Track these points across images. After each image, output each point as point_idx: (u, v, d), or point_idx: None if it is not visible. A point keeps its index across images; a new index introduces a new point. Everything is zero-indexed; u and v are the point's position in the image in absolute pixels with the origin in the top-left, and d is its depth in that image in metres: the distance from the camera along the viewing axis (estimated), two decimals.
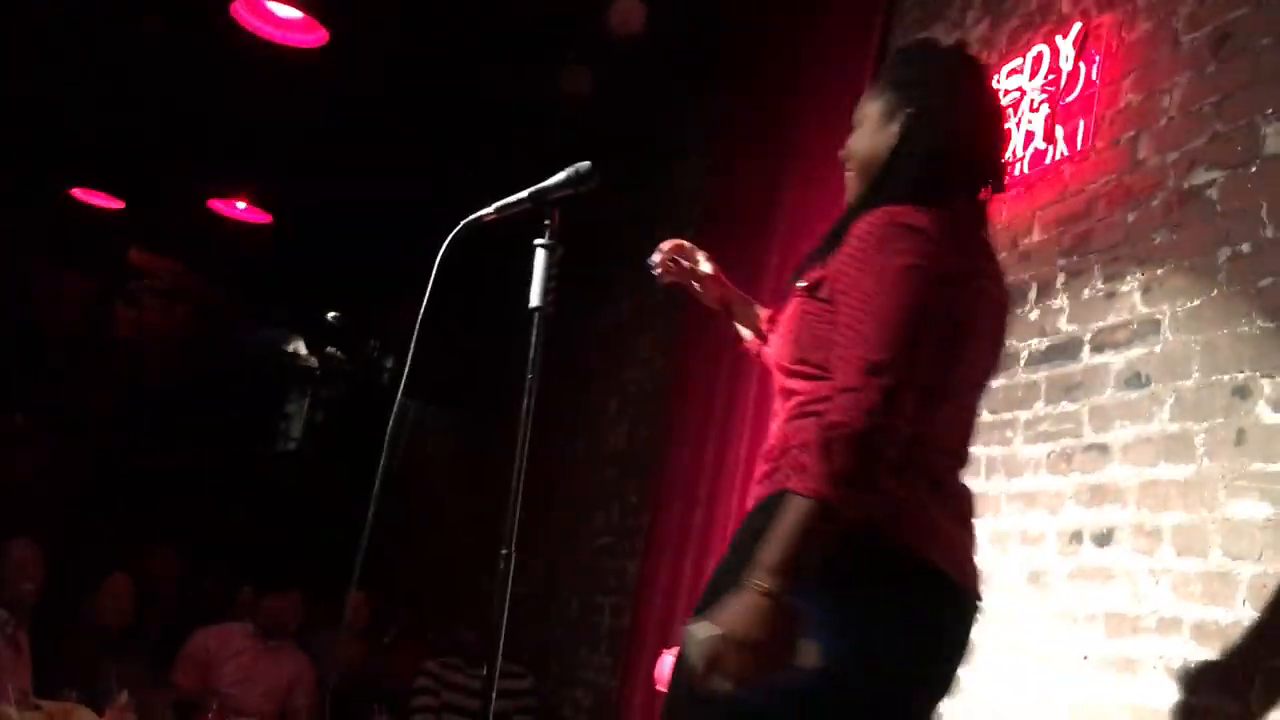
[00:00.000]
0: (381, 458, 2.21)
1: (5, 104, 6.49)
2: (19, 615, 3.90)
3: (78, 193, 7.90)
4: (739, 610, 1.52)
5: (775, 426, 1.84)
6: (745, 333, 2.34)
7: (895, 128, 1.80)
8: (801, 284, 1.78)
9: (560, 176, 2.06)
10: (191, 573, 5.97)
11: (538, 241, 2.07)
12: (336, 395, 11.42)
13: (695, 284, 2.29)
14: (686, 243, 2.31)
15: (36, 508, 5.17)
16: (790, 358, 1.77)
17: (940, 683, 1.76)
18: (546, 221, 2.06)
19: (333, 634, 5.69)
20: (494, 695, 1.95)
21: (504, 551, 1.95)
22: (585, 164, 2.07)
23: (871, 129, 1.85)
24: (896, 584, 1.63)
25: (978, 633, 2.86)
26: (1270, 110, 2.53)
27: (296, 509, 9.10)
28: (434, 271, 2.06)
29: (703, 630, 1.54)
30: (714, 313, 2.38)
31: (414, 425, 9.54)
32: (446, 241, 2.06)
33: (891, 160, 1.79)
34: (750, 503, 1.83)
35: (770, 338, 1.97)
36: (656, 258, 2.28)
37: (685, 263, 2.28)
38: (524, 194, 2.08)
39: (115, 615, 4.25)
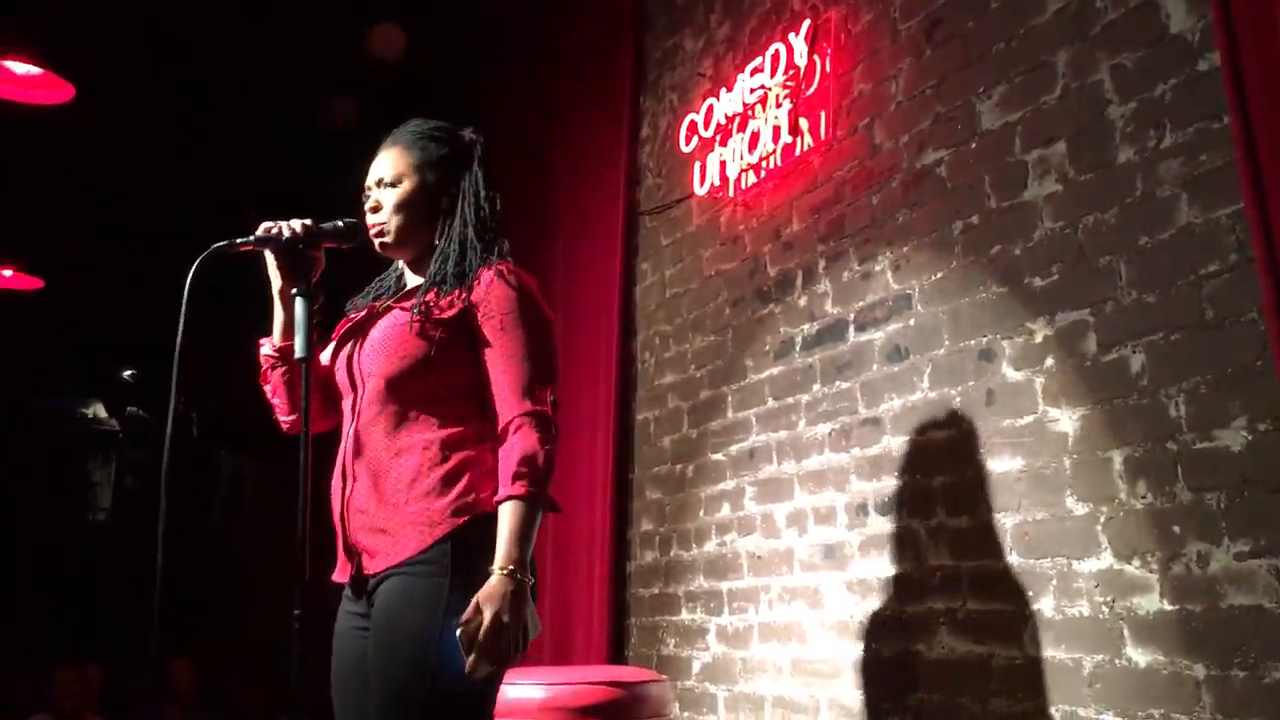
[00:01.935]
0: (161, 507, 2.08)
1: None
2: None
3: None
4: (503, 600, 1.78)
5: (395, 442, 1.93)
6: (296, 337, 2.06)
7: (441, 196, 2.09)
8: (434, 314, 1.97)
9: (327, 224, 2.03)
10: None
11: (294, 290, 2.04)
12: (145, 456, 10.89)
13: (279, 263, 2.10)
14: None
15: None
16: (408, 376, 1.95)
17: None
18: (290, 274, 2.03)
19: (159, 705, 5.46)
20: None
21: (295, 612, 1.92)
22: (352, 220, 2.06)
23: (411, 194, 2.09)
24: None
25: (788, 612, 2.95)
26: (982, 89, 2.70)
27: (114, 580, 8.66)
28: (185, 297, 1.92)
29: (471, 624, 1.76)
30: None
31: (231, 476, 9.22)
32: (193, 268, 1.97)
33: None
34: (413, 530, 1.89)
35: (359, 350, 2.04)
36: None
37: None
38: (282, 230, 2.01)
39: None
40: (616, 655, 3.88)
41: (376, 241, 2.10)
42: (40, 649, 6.11)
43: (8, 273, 7.17)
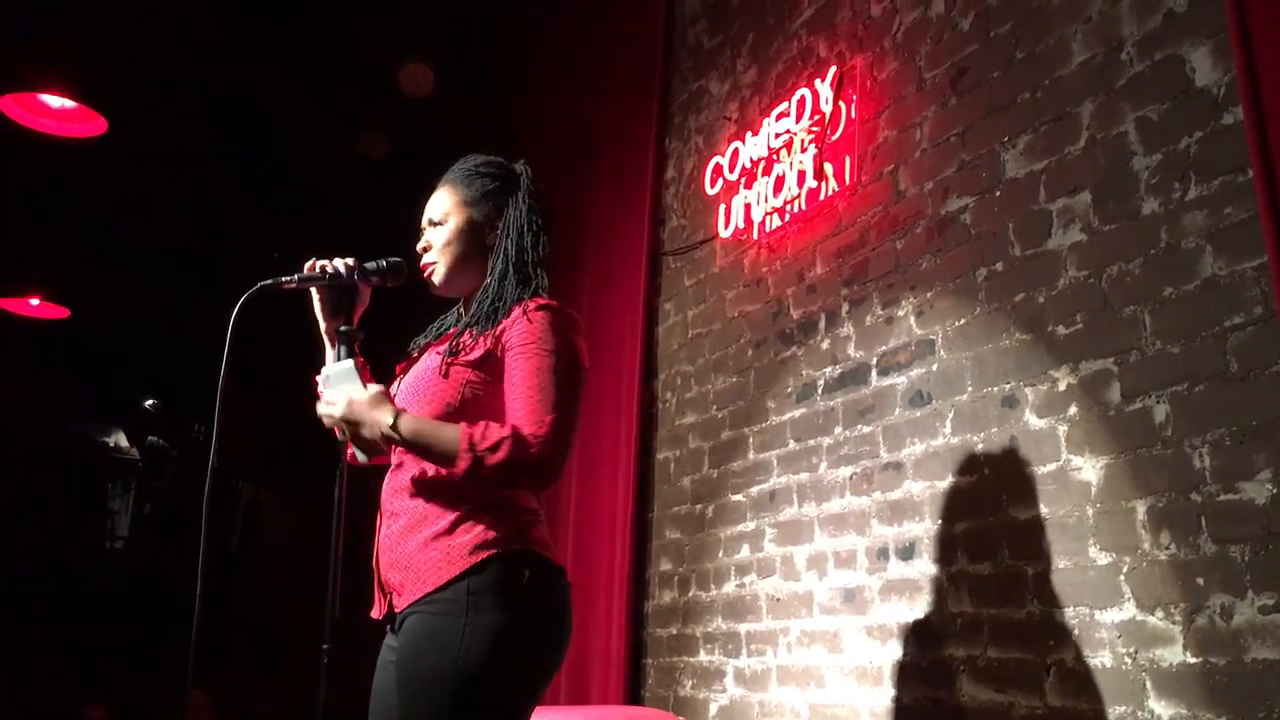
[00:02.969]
0: (201, 547, 2.10)
1: None
2: None
3: None
4: (365, 411, 1.92)
5: (423, 482, 1.96)
6: None
7: (487, 232, 2.12)
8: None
9: (370, 264, 2.09)
10: (13, 695, 5.63)
11: (338, 329, 2.08)
12: (164, 484, 10.95)
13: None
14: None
15: None
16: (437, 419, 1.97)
17: None
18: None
19: None
20: None
21: (324, 647, 1.94)
22: (395, 259, 2.10)
23: (458, 232, 2.12)
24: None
25: (807, 655, 2.95)
26: (1007, 138, 2.72)
27: (133, 608, 8.68)
28: (229, 335, 1.99)
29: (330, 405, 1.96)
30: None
31: (248, 507, 9.24)
32: (239, 305, 2.01)
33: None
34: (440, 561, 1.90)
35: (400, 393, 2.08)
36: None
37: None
38: (327, 270, 2.07)
39: None
40: (633, 695, 3.87)
41: (430, 282, 2.13)
42: (62, 676, 6.12)
43: (34, 302, 7.25)
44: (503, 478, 1.87)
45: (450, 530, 1.90)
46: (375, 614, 2.01)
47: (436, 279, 2.14)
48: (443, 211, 2.14)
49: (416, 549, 1.92)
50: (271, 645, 7.06)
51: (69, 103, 4.85)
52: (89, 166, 5.39)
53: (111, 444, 10.77)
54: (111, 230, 6.18)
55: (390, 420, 1.91)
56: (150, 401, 10.39)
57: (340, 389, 1.97)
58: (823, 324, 3.31)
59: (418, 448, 1.92)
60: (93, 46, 4.61)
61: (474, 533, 1.89)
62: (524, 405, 1.90)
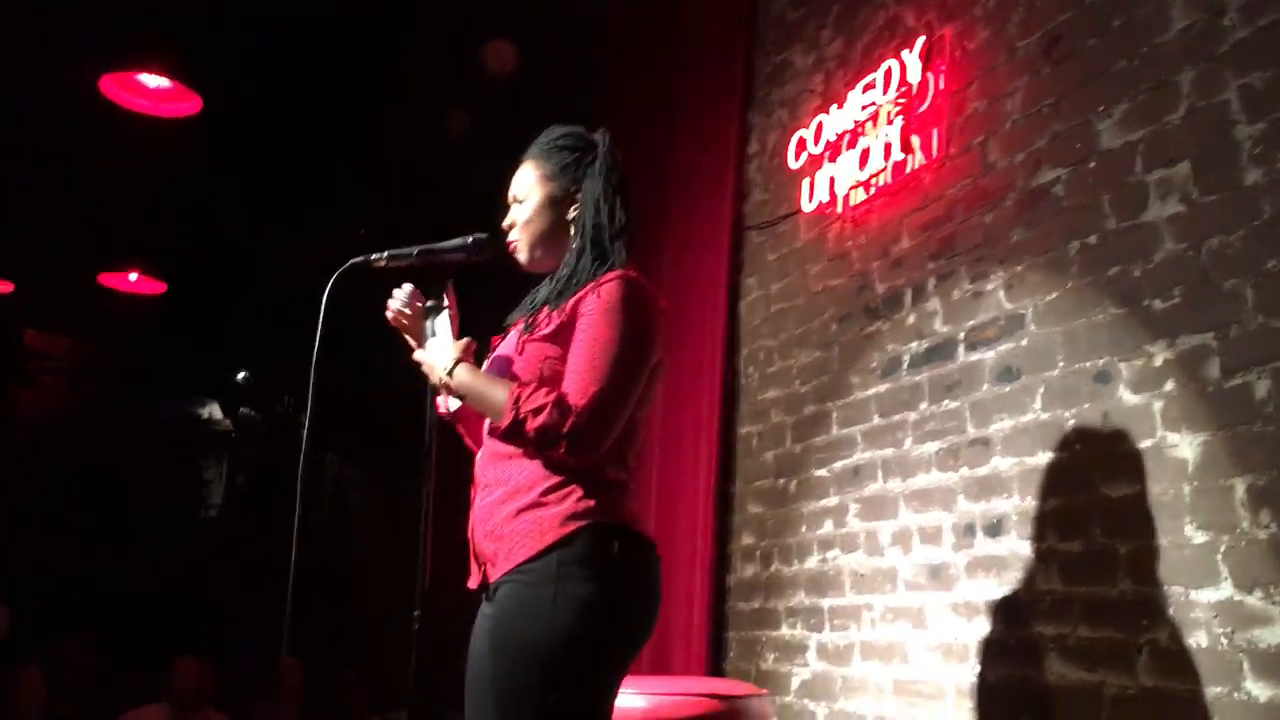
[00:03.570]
0: (295, 522, 2.17)
1: None
2: None
3: None
4: (434, 362, 2.03)
5: (512, 454, 1.98)
6: None
7: (567, 206, 2.11)
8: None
9: (454, 241, 2.11)
10: (112, 657, 5.84)
11: (424, 305, 2.13)
12: (255, 456, 11.23)
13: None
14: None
15: None
16: None
17: None
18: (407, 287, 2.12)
19: (269, 704, 5.62)
20: None
21: (415, 613, 1.99)
22: (482, 235, 2.11)
23: (538, 207, 2.13)
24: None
25: (891, 631, 2.94)
26: (1102, 107, 2.66)
27: (224, 576, 8.94)
28: (322, 312, 2.05)
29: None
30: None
31: (335, 481, 9.45)
32: (330, 283, 2.06)
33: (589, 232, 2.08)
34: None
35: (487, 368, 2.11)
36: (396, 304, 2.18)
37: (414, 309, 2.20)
38: (414, 249, 2.11)
39: (31, 711, 4.15)
40: (715, 668, 3.89)
41: (514, 258, 2.15)
42: (155, 641, 6.34)
43: (133, 277, 7.47)
44: (540, 442, 1.88)
45: (541, 501, 1.91)
46: (471, 584, 2.04)
47: (520, 256, 2.16)
48: (524, 187, 2.15)
49: (508, 519, 1.94)
50: (357, 615, 7.22)
51: (165, 82, 4.98)
52: (185, 144, 5.53)
53: (205, 416, 11.08)
54: (206, 206, 6.33)
55: (448, 368, 1.99)
56: (242, 374, 10.64)
57: (435, 339, 2.07)
58: (908, 299, 3.28)
59: (471, 399, 1.98)
60: (187, 27, 4.72)
61: (565, 504, 1.90)
62: (574, 375, 1.90)
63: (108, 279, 7.49)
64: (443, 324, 2.08)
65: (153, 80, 4.98)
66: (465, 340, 2.04)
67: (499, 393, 1.92)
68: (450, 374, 1.98)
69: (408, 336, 2.15)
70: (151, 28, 4.69)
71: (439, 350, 2.04)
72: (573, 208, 2.11)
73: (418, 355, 2.07)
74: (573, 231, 2.10)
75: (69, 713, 4.85)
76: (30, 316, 9.16)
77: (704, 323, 4.16)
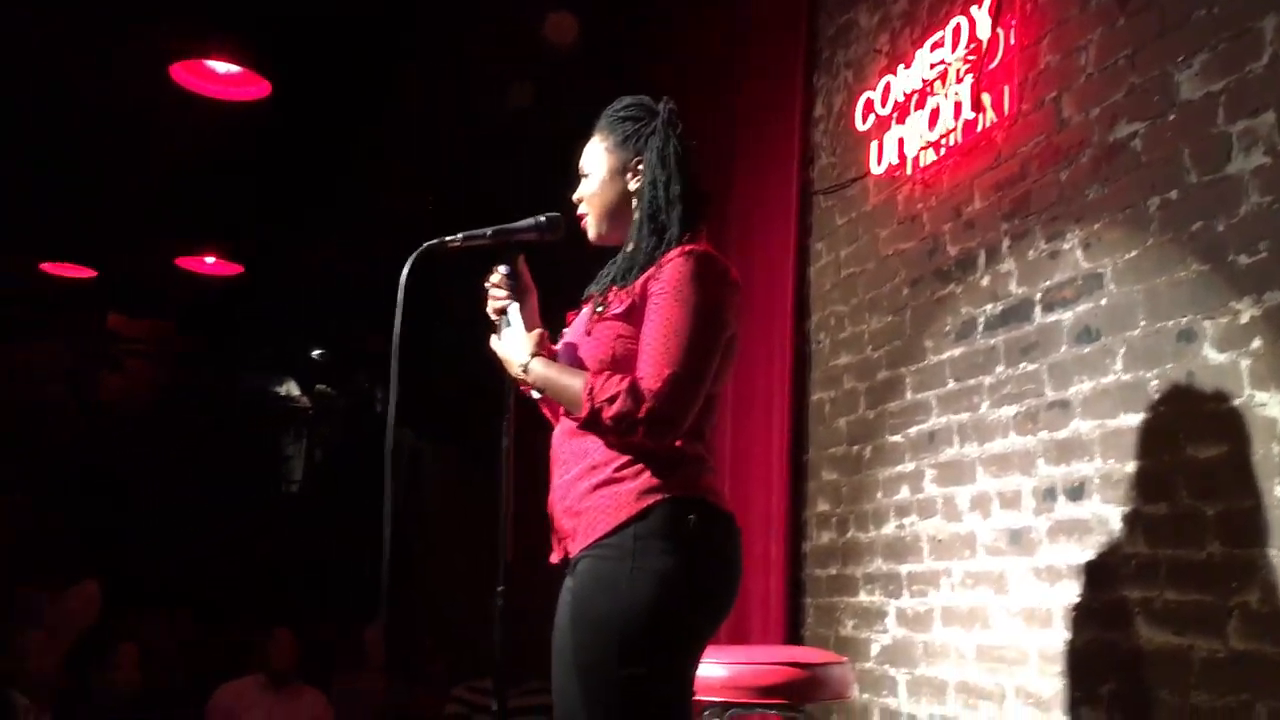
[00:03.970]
0: (385, 494, 2.20)
1: None
2: (41, 698, 3.95)
3: (48, 267, 7.95)
4: (507, 356, 2.08)
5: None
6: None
7: (629, 177, 2.11)
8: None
9: (526, 221, 2.13)
10: (203, 630, 6.01)
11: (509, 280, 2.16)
12: (333, 432, 11.45)
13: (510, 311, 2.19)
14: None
15: (39, 578, 5.22)
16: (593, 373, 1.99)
17: None
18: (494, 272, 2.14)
19: (353, 672, 5.75)
20: None
21: (499, 589, 2.02)
22: (554, 214, 2.12)
23: (604, 180, 2.13)
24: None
25: (971, 596, 2.91)
26: (1181, 58, 2.58)
27: (306, 550, 9.14)
28: (400, 294, 2.07)
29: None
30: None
31: (411, 455, 9.59)
32: (407, 265, 2.09)
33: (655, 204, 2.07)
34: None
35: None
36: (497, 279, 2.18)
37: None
38: (488, 230, 2.13)
39: (127, 684, 4.30)
40: (793, 635, 3.90)
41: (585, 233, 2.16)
42: (244, 615, 6.51)
43: (210, 259, 7.62)
44: (618, 429, 1.89)
45: (617, 477, 1.93)
46: (553, 559, 2.07)
47: (589, 229, 2.17)
48: (592, 160, 2.16)
49: (585, 495, 1.96)
50: (435, 587, 7.34)
51: (234, 68, 5.06)
52: (255, 128, 5.62)
53: (284, 393, 11.31)
54: (279, 188, 6.43)
55: (524, 362, 2.02)
56: (318, 351, 10.84)
57: (509, 330, 2.11)
58: (982, 260, 3.22)
59: (549, 392, 2.01)
60: (254, 12, 4.78)
61: (641, 479, 1.92)
62: (646, 358, 1.90)
63: (185, 262, 7.65)
64: (515, 314, 2.10)
65: (222, 66, 5.06)
66: (538, 332, 2.07)
67: (574, 384, 1.94)
68: (526, 369, 2.02)
69: (505, 319, 2.16)
70: (220, 15, 4.76)
71: (515, 343, 2.06)
72: (635, 179, 2.10)
73: (495, 347, 2.10)
74: (634, 204, 2.10)
75: (163, 687, 5.01)
76: (113, 301, 9.41)
77: (772, 289, 4.14)
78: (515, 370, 2.05)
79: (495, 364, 2.14)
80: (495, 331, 2.16)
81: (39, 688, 3.99)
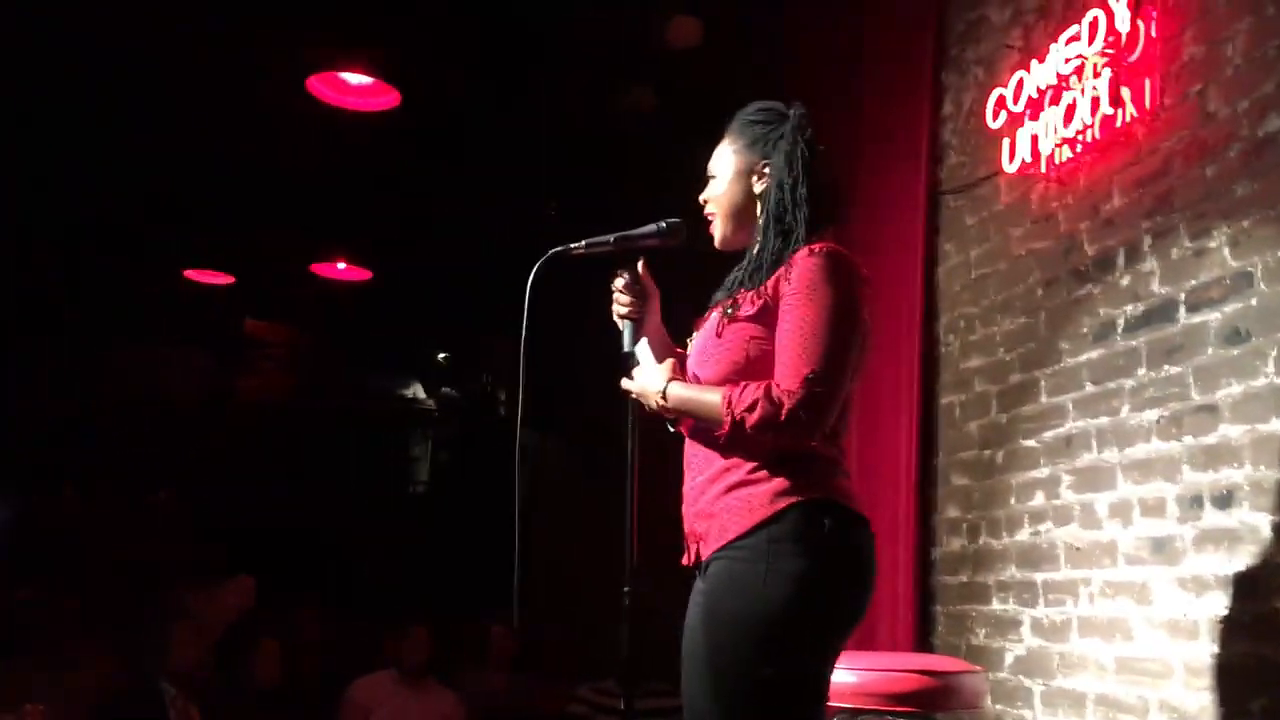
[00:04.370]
0: (515, 491, 2.23)
1: (117, 197, 6.86)
2: (187, 688, 4.11)
3: (190, 274, 8.28)
4: (645, 392, 2.07)
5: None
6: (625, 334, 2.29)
7: (754, 180, 2.12)
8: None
9: (649, 228, 2.17)
10: (336, 627, 6.19)
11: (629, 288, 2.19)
12: (457, 433, 11.67)
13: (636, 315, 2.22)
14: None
15: (182, 578, 5.45)
16: (725, 378, 2.01)
17: None
18: (618, 275, 2.18)
19: (477, 669, 5.84)
20: None
21: (625, 589, 2.04)
22: (675, 220, 2.15)
23: (730, 181, 2.14)
24: None
25: (1112, 607, 2.82)
26: None
27: (433, 550, 9.34)
28: (527, 299, 2.13)
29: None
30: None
31: (534, 454, 9.71)
32: (534, 271, 2.13)
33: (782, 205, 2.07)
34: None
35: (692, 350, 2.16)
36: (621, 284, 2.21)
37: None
38: (610, 237, 2.17)
39: (268, 678, 4.44)
40: (922, 643, 3.83)
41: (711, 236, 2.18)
42: (375, 611, 6.68)
43: (341, 265, 7.85)
44: (762, 437, 1.89)
45: (750, 480, 1.94)
46: (685, 561, 2.08)
47: (715, 233, 2.18)
48: (720, 162, 2.17)
49: (717, 497, 1.97)
50: (562, 589, 7.41)
51: (366, 79, 5.21)
52: (387, 138, 5.77)
53: (410, 395, 11.57)
54: (406, 196, 6.60)
55: (660, 392, 2.03)
56: (442, 355, 11.07)
57: (639, 367, 2.13)
58: (1121, 259, 3.12)
59: (689, 414, 2.01)
60: (386, 25, 4.91)
61: (774, 482, 1.92)
62: (784, 359, 1.90)
63: (318, 268, 7.90)
64: (644, 349, 2.14)
65: (354, 78, 5.21)
66: (669, 362, 2.09)
67: (712, 399, 1.94)
68: (664, 395, 2.02)
69: (629, 325, 2.19)
70: (353, 28, 4.90)
71: (649, 376, 2.08)
72: (761, 181, 2.11)
73: (628, 386, 2.12)
74: (759, 207, 2.11)
75: (301, 680, 5.17)
76: (249, 306, 9.76)
77: (899, 290, 4.07)
78: (653, 402, 2.05)
79: (617, 357, 2.17)
80: (620, 335, 2.20)
81: (186, 679, 4.14)
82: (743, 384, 1.92)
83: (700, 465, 2.04)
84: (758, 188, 2.11)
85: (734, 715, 1.88)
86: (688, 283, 2.32)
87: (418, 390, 11.44)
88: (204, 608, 4.50)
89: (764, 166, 2.10)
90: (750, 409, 1.88)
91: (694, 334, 2.20)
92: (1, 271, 7.67)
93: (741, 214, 2.14)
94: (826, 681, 1.97)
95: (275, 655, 4.50)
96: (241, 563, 5.56)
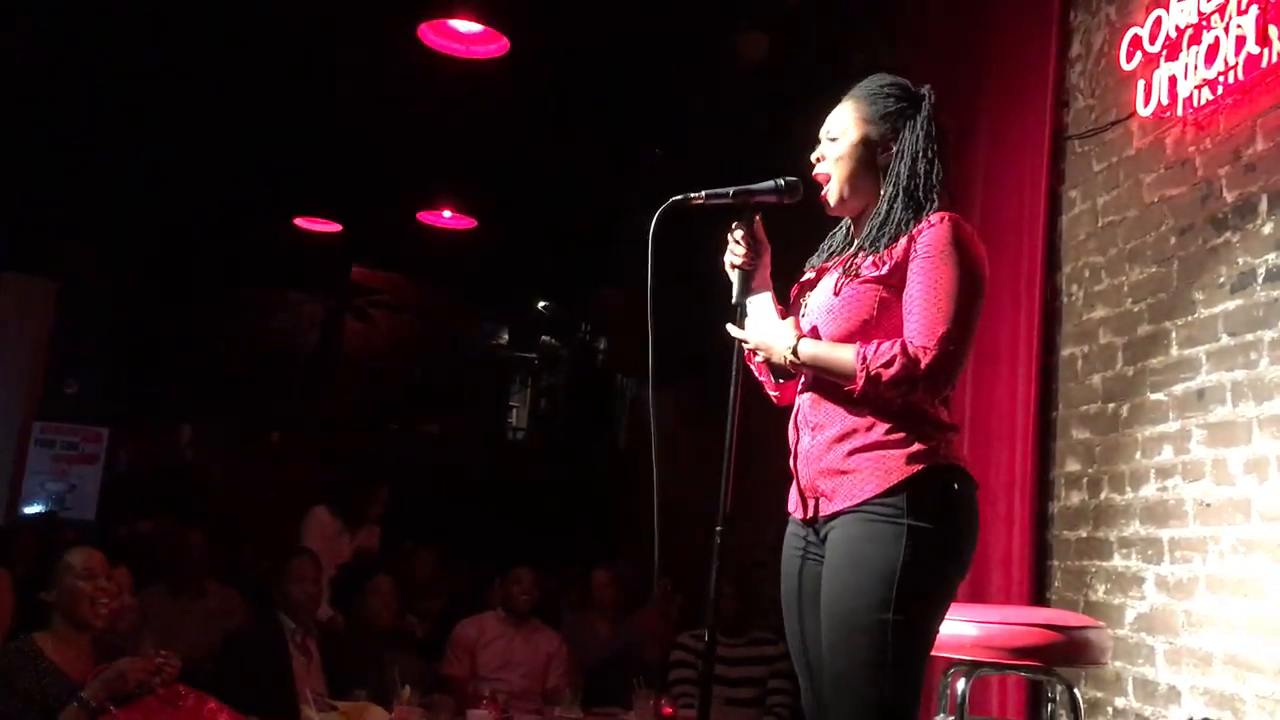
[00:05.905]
0: (651, 437, 2.31)
1: (231, 147, 7.01)
2: (305, 624, 4.23)
3: (299, 221, 8.44)
4: (769, 344, 2.12)
5: (849, 398, 2.05)
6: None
7: (879, 152, 2.17)
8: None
9: (767, 184, 2.20)
10: (443, 567, 6.31)
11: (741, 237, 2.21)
12: (555, 382, 11.81)
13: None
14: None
15: (297, 518, 5.61)
16: (850, 337, 2.07)
17: None
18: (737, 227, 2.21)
19: (582, 613, 5.93)
20: (713, 666, 2.13)
21: (717, 529, 2.09)
22: (793, 178, 2.20)
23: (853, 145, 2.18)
24: None
25: (1244, 565, 2.75)
26: None
27: (533, 494, 9.49)
28: (649, 248, 2.17)
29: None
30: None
31: (633, 403, 9.78)
32: (654, 220, 2.16)
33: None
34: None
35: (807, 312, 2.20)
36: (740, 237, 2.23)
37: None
38: (730, 190, 2.20)
39: (384, 615, 4.55)
40: (1037, 597, 3.77)
41: (824, 199, 2.20)
42: (483, 553, 6.81)
43: (447, 214, 7.92)
44: (897, 391, 1.98)
45: (884, 442, 2.02)
46: (799, 515, 2.17)
47: (830, 195, 2.22)
48: (841, 126, 2.20)
49: (846, 457, 2.05)
50: (669, 537, 7.47)
51: (475, 26, 5.21)
52: (493, 85, 5.78)
53: (511, 343, 11.72)
54: (513, 145, 6.61)
55: (791, 345, 2.08)
56: (543, 303, 11.18)
57: (754, 320, 2.17)
58: (1264, 206, 2.99)
59: (818, 369, 2.07)
60: None
61: (909, 446, 2.01)
62: (917, 317, 2.00)
63: (425, 216, 7.98)
64: (766, 302, 2.18)
65: (464, 25, 5.22)
66: (791, 320, 2.15)
67: (845, 355, 2.01)
68: (795, 350, 2.07)
69: (740, 275, 2.22)
70: None
71: (773, 331, 2.14)
72: (885, 154, 2.17)
73: (750, 339, 2.16)
74: (882, 178, 2.16)
75: (414, 616, 5.30)
76: (357, 254, 9.94)
77: (1020, 240, 3.96)
78: (780, 354, 2.10)
79: (723, 307, 2.20)
80: (730, 285, 2.22)
81: (303, 613, 4.26)
82: (875, 341, 2.00)
83: (822, 425, 2.11)
84: (881, 160, 2.17)
85: (857, 654, 1.97)
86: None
87: (519, 339, 11.58)
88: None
89: (891, 142, 2.16)
90: (887, 364, 1.96)
91: (795, 297, 2.26)
92: (128, 220, 7.92)
93: (859, 181, 2.18)
94: (937, 633, 2.07)
95: (390, 592, 4.61)
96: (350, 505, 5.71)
